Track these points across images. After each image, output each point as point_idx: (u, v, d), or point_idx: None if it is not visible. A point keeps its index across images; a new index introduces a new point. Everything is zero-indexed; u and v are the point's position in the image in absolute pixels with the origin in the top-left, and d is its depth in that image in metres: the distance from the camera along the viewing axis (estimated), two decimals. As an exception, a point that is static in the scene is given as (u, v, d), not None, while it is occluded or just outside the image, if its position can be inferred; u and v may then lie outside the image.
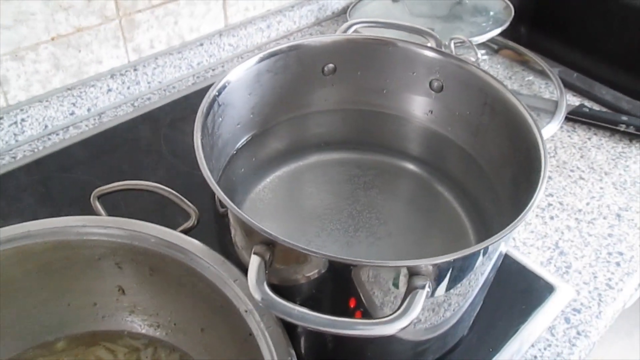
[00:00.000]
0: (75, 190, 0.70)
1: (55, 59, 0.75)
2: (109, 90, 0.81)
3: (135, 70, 0.83)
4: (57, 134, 0.78)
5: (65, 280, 0.51)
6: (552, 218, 0.70)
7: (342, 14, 1.06)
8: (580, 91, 0.90)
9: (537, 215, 0.70)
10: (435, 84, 0.61)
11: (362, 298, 0.43)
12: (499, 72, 0.93)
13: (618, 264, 0.65)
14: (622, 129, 0.82)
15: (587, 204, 0.72)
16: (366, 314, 0.45)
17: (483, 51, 0.97)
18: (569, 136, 0.82)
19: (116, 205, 0.53)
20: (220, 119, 0.54)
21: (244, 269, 0.46)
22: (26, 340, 0.52)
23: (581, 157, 0.79)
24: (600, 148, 0.80)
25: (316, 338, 0.51)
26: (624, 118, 0.82)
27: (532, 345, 0.57)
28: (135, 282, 0.52)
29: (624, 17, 1.06)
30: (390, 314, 0.38)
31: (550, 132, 0.78)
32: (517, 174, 0.54)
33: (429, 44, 0.63)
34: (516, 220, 0.42)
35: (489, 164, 0.59)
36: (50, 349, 0.52)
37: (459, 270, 0.45)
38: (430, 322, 0.48)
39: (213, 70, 0.91)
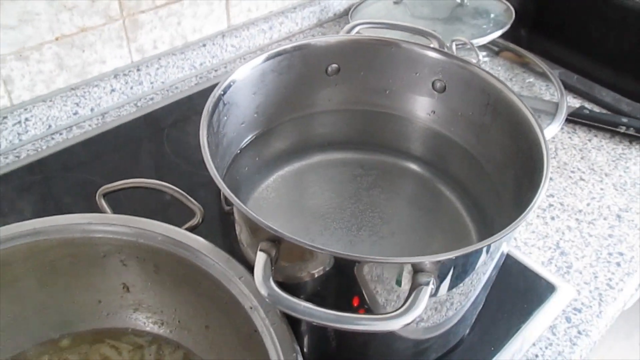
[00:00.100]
0: (78, 190, 0.70)
1: (59, 58, 0.75)
2: (112, 90, 0.81)
3: (138, 70, 0.83)
4: (61, 134, 0.78)
5: (70, 277, 0.52)
6: (553, 218, 0.71)
7: (343, 15, 1.07)
8: (580, 93, 0.90)
9: (538, 216, 0.71)
10: (438, 85, 0.62)
11: (367, 295, 0.43)
12: (499, 74, 0.94)
13: (618, 264, 0.66)
14: (622, 131, 0.82)
15: (588, 204, 0.72)
16: (370, 311, 0.45)
17: (484, 53, 0.97)
18: (570, 137, 0.83)
19: (120, 203, 0.54)
20: (225, 118, 0.55)
21: (249, 266, 0.46)
22: (31, 338, 0.52)
23: (582, 158, 0.79)
24: (601, 149, 0.81)
25: (319, 336, 0.51)
26: (624, 120, 0.82)
27: (534, 344, 0.58)
28: (139, 280, 0.52)
29: (624, 19, 1.07)
30: (395, 310, 0.38)
31: (551, 133, 0.79)
32: (519, 174, 0.55)
33: (431, 45, 0.63)
34: (519, 219, 0.43)
35: (491, 164, 0.60)
36: (55, 347, 0.53)
37: (462, 269, 0.46)
38: (432, 320, 0.49)
39: (216, 71, 0.91)
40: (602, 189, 0.75)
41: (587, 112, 0.84)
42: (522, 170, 0.53)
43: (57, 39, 0.73)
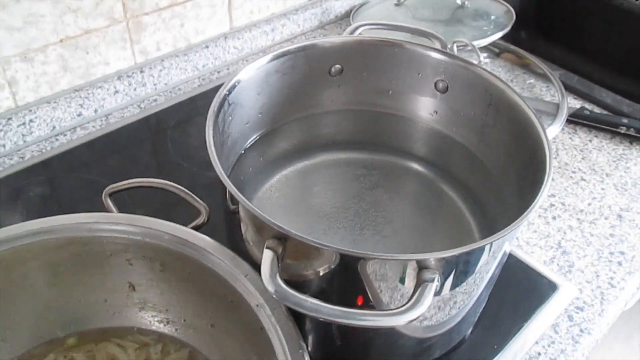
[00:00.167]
0: (82, 191, 0.70)
1: (63, 60, 0.76)
2: (116, 91, 0.82)
3: (141, 72, 0.83)
4: (65, 135, 0.78)
5: (77, 276, 0.52)
6: (554, 218, 0.71)
7: (345, 17, 1.07)
8: (580, 94, 0.91)
9: (539, 216, 0.71)
10: (441, 85, 0.62)
11: (372, 292, 0.44)
12: (500, 75, 0.94)
13: (620, 263, 0.66)
14: (622, 132, 0.83)
15: (589, 204, 0.73)
16: (375, 309, 0.46)
17: (485, 54, 0.98)
18: (570, 138, 0.83)
19: (124, 203, 0.54)
20: (230, 118, 0.55)
21: (255, 265, 0.46)
22: (37, 336, 0.53)
23: (582, 158, 0.80)
24: (601, 150, 0.81)
25: (323, 335, 0.51)
26: (625, 120, 0.83)
27: (536, 343, 0.58)
28: (145, 279, 0.53)
29: (623, 21, 1.08)
30: (401, 306, 0.39)
31: (552, 134, 0.79)
32: (521, 174, 0.55)
33: (434, 46, 0.64)
34: (523, 215, 0.43)
35: (493, 164, 0.60)
36: (61, 345, 0.53)
37: (465, 267, 0.46)
38: (436, 319, 0.49)
39: (218, 72, 0.92)
40: (603, 189, 0.75)
41: (588, 112, 0.85)
42: (524, 169, 0.54)
43: (61, 40, 0.74)
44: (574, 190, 0.75)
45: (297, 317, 0.44)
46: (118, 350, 0.53)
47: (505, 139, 0.58)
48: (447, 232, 0.60)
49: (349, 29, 0.66)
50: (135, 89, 0.84)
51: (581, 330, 0.59)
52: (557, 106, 0.83)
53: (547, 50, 1.13)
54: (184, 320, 0.53)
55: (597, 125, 0.84)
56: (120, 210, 0.53)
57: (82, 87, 0.79)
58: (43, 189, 0.70)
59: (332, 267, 0.43)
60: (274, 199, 0.61)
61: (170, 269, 0.51)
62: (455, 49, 0.77)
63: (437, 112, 0.65)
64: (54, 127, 0.78)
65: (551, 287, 0.63)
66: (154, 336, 0.54)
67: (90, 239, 0.50)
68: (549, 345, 0.58)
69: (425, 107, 0.65)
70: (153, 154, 0.77)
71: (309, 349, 0.51)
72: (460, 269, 0.45)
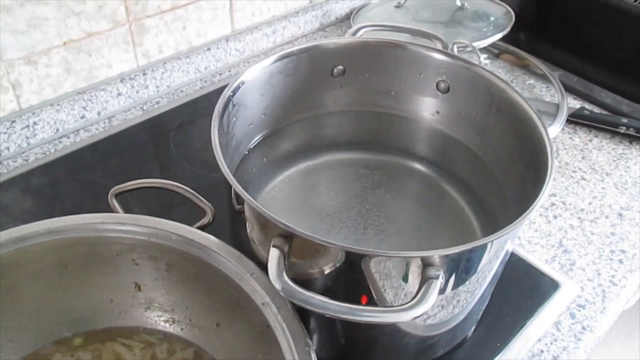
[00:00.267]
0: (85, 193, 0.71)
1: (66, 63, 0.76)
2: (119, 94, 0.82)
3: (144, 74, 0.84)
4: (68, 137, 0.79)
5: (83, 277, 0.52)
6: (555, 217, 0.71)
7: (345, 19, 1.08)
8: (580, 94, 0.91)
9: (540, 215, 0.72)
10: (442, 85, 0.63)
11: (377, 290, 0.44)
12: (500, 76, 0.95)
13: (621, 261, 0.67)
14: (622, 131, 0.84)
15: (590, 203, 0.73)
16: (379, 306, 0.46)
17: (485, 55, 0.99)
18: (571, 138, 0.84)
19: (129, 205, 0.54)
20: (235, 119, 0.56)
21: (260, 264, 0.47)
22: (44, 336, 0.53)
23: (583, 158, 0.80)
24: (601, 149, 0.82)
25: (328, 333, 0.52)
26: (624, 120, 0.84)
27: (539, 340, 0.58)
28: (151, 279, 0.53)
29: (621, 22, 1.08)
30: (407, 302, 0.39)
31: (552, 134, 0.80)
32: (523, 173, 0.56)
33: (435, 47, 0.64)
34: (526, 213, 0.44)
35: (495, 163, 0.61)
36: (68, 345, 0.53)
37: (469, 265, 0.46)
38: (440, 317, 0.50)
39: (220, 74, 0.92)
40: (603, 188, 0.76)
41: (588, 113, 0.86)
42: (526, 167, 0.54)
43: (64, 43, 0.74)
44: (574, 190, 0.75)
45: (302, 316, 0.44)
46: (124, 349, 0.53)
47: (507, 138, 0.59)
48: (449, 231, 0.61)
49: (351, 30, 0.67)
50: (137, 92, 0.84)
51: (583, 328, 0.60)
52: (557, 106, 0.83)
53: (546, 51, 1.13)
54: (190, 319, 0.54)
55: (597, 125, 0.85)
56: (125, 211, 0.54)
57: (85, 90, 0.80)
58: (47, 191, 0.71)
59: (337, 265, 0.44)
60: (277, 199, 0.62)
61: (176, 269, 0.52)
62: (455, 50, 0.77)
63: (438, 113, 0.65)
64: (57, 130, 0.78)
65: (553, 285, 0.63)
66: (160, 336, 0.54)
67: (97, 239, 0.51)
68: (551, 343, 0.58)
69: (427, 108, 0.66)
70: (156, 156, 0.77)
71: (314, 347, 0.51)
72: (463, 267, 0.46)
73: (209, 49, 0.90)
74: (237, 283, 0.47)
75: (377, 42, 0.63)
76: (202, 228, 0.51)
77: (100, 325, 0.54)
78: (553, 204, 0.73)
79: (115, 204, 0.53)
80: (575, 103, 0.90)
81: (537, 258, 0.66)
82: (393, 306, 0.39)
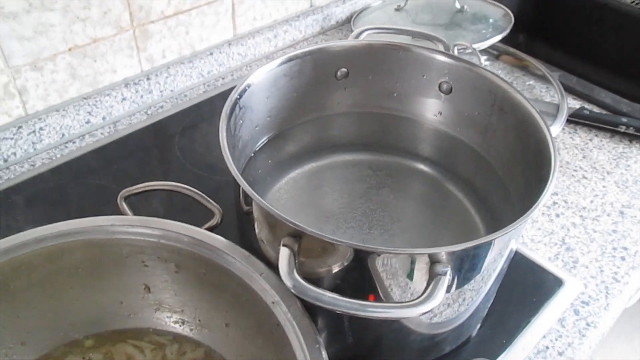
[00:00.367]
0: (92, 197, 0.71)
1: (72, 69, 0.77)
2: (124, 99, 0.83)
3: (148, 79, 0.85)
4: (74, 142, 0.80)
5: (93, 279, 0.53)
6: (557, 216, 0.72)
7: (346, 23, 1.09)
8: (580, 95, 0.92)
9: (543, 214, 0.72)
10: (445, 86, 0.64)
11: (385, 287, 0.45)
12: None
13: (623, 258, 0.67)
14: (622, 130, 0.84)
15: (591, 201, 0.74)
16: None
17: (484, 57, 1.00)
18: (571, 137, 0.85)
19: (135, 208, 0.55)
20: (241, 121, 0.56)
21: (269, 263, 0.47)
22: (56, 339, 0.53)
23: (583, 157, 0.81)
24: (602, 149, 0.83)
25: (336, 332, 0.52)
26: (624, 120, 0.84)
27: (544, 337, 0.59)
28: (160, 280, 0.54)
29: (619, 23, 1.09)
30: (416, 298, 0.40)
31: (553, 133, 0.80)
32: (526, 171, 0.56)
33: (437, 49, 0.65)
34: (532, 209, 0.44)
35: (498, 162, 0.62)
36: (80, 347, 0.54)
37: (474, 263, 0.47)
38: (446, 315, 0.50)
39: (223, 78, 0.93)
40: (604, 187, 0.77)
41: (588, 112, 0.86)
42: (529, 166, 0.55)
43: (70, 49, 0.75)
44: (576, 188, 0.76)
45: (310, 316, 0.45)
46: (135, 351, 0.54)
47: (510, 138, 0.59)
48: (454, 230, 0.61)
49: (354, 33, 0.68)
50: (142, 96, 0.85)
51: (587, 324, 0.61)
52: (557, 107, 0.84)
53: (545, 52, 1.14)
54: (199, 320, 0.54)
55: (597, 124, 0.86)
56: (133, 214, 0.54)
57: (91, 95, 0.80)
58: (53, 195, 0.72)
59: (346, 263, 0.44)
60: (282, 200, 0.62)
61: (185, 270, 0.52)
62: (455, 52, 0.78)
63: (441, 113, 0.66)
64: (63, 135, 0.79)
65: (557, 282, 0.64)
66: (170, 337, 0.55)
67: (108, 241, 0.51)
68: (556, 339, 0.59)
69: (429, 109, 0.67)
70: (161, 160, 0.78)
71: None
72: (469, 265, 0.47)
73: (211, 54, 0.91)
74: (247, 283, 0.48)
75: (381, 44, 0.63)
76: (210, 229, 0.52)
77: (111, 327, 0.55)
78: (555, 203, 0.74)
79: (124, 206, 0.54)
80: (574, 103, 0.91)
81: (541, 256, 0.67)
82: (403, 302, 0.40)
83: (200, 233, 0.50)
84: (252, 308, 0.48)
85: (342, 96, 0.67)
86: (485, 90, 0.60)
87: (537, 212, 0.70)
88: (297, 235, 0.43)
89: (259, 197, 0.44)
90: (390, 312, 0.40)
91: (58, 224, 0.51)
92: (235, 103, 0.54)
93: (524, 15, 1.13)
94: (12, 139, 0.74)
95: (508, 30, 0.95)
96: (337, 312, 0.39)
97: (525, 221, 0.45)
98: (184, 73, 0.88)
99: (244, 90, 0.56)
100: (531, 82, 0.95)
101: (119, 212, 0.54)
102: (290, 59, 0.60)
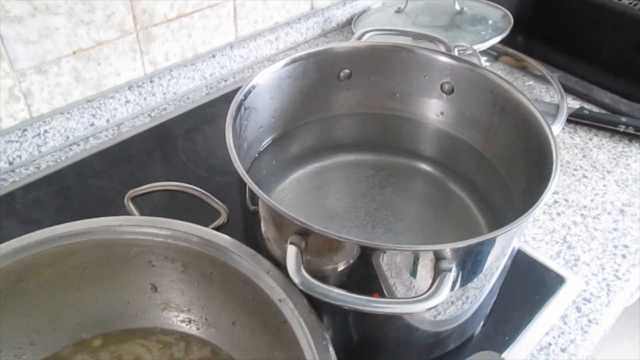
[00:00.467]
0: (96, 199, 0.72)
1: (76, 72, 0.77)
2: (127, 101, 0.84)
3: (151, 82, 0.85)
4: (78, 145, 0.80)
5: (101, 279, 0.54)
6: (558, 214, 0.73)
7: (346, 25, 1.10)
8: (579, 95, 0.93)
9: (544, 212, 0.73)
10: (446, 87, 0.65)
11: (391, 284, 0.46)
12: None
13: (624, 256, 0.68)
14: (621, 130, 0.85)
15: (592, 200, 0.75)
16: (393, 301, 0.47)
17: (484, 58, 1.00)
18: (571, 137, 0.85)
19: (140, 209, 0.55)
20: (246, 122, 0.57)
21: (275, 262, 0.48)
22: (64, 338, 0.54)
23: (583, 156, 0.82)
24: (602, 148, 0.84)
25: (341, 330, 0.53)
26: (623, 119, 0.85)
27: (547, 334, 0.60)
28: (167, 280, 0.54)
29: (618, 24, 1.10)
30: (422, 294, 0.40)
31: (554, 133, 0.81)
32: (528, 170, 0.57)
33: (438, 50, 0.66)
34: (534, 207, 0.45)
35: (500, 162, 0.62)
36: (88, 347, 0.54)
37: (478, 260, 0.48)
38: (450, 312, 0.51)
39: (225, 80, 0.94)
40: (604, 186, 0.77)
41: (587, 112, 0.87)
42: (531, 165, 0.56)
43: (74, 52, 0.76)
44: (576, 187, 0.77)
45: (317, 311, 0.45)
46: (143, 350, 0.54)
47: (511, 137, 0.60)
48: (456, 229, 0.62)
49: (357, 34, 0.68)
50: (145, 99, 0.85)
51: (589, 321, 0.61)
52: (557, 107, 0.84)
53: (544, 53, 1.15)
54: (206, 319, 0.55)
55: (597, 124, 0.87)
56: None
57: (95, 98, 0.81)
58: (58, 197, 0.72)
59: (351, 261, 0.45)
60: (286, 200, 0.63)
61: (192, 269, 0.53)
62: (456, 53, 0.79)
63: (443, 113, 0.67)
64: (67, 138, 0.79)
65: (559, 280, 0.64)
66: (177, 336, 0.55)
67: (115, 241, 0.52)
68: (559, 336, 0.60)
69: (431, 109, 0.67)
70: (164, 162, 0.79)
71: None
72: (473, 262, 0.47)
73: (214, 56, 0.92)
74: (254, 281, 0.48)
75: (383, 45, 0.64)
76: (217, 229, 0.53)
77: (119, 326, 0.55)
78: (556, 202, 0.75)
79: (131, 207, 0.55)
80: (574, 103, 0.91)
81: (542, 254, 0.68)
82: (409, 298, 0.41)
83: (208, 232, 0.51)
84: (259, 306, 0.49)
85: (345, 97, 0.68)
86: (487, 90, 0.61)
87: (539, 210, 0.71)
88: (304, 233, 0.44)
89: (267, 197, 0.45)
90: (397, 308, 0.40)
91: (66, 225, 0.51)
92: (241, 104, 0.55)
93: (523, 17, 1.14)
94: (17, 141, 0.75)
95: (507, 32, 0.96)
96: (345, 307, 0.40)
97: (528, 219, 0.46)
98: (187, 75, 0.89)
99: (249, 92, 0.56)
100: (531, 82, 0.96)
101: (123, 213, 0.55)
102: (294, 61, 0.61)
